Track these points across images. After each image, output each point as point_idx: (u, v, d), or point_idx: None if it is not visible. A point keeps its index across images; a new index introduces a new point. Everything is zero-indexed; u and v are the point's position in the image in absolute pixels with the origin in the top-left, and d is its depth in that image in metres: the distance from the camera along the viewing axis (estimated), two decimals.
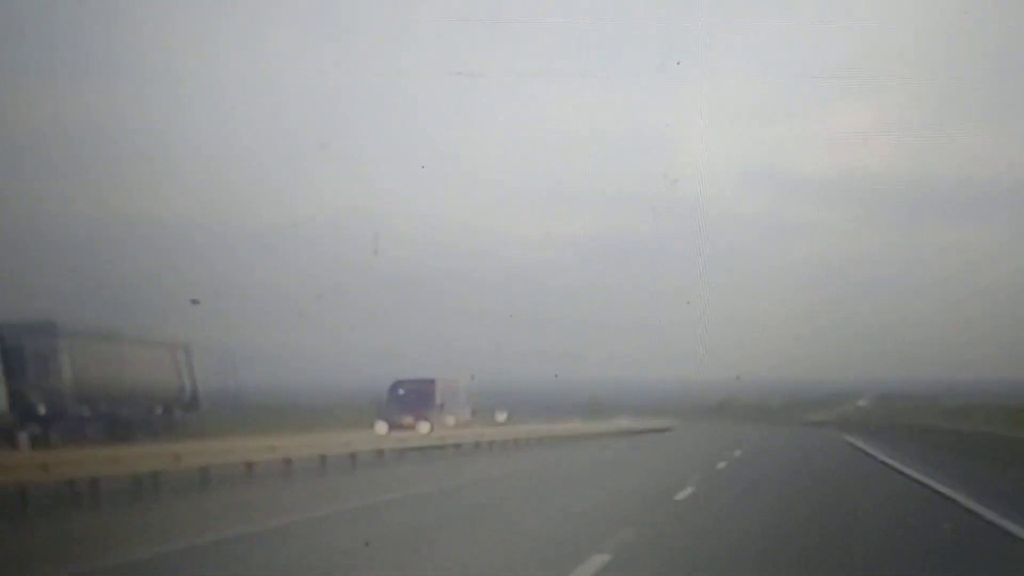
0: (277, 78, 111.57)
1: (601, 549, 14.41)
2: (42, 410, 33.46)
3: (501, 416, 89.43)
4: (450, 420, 49.95)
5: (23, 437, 31.42)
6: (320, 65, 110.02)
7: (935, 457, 36.07)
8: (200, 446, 28.89)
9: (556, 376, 66.72)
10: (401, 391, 50.34)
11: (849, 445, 49.40)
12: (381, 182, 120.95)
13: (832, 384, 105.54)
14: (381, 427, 43.29)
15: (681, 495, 23.50)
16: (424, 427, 46.29)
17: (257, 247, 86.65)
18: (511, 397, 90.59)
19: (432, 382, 51.05)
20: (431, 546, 15.54)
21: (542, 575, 13.22)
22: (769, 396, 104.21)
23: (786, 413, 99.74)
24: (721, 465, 35.43)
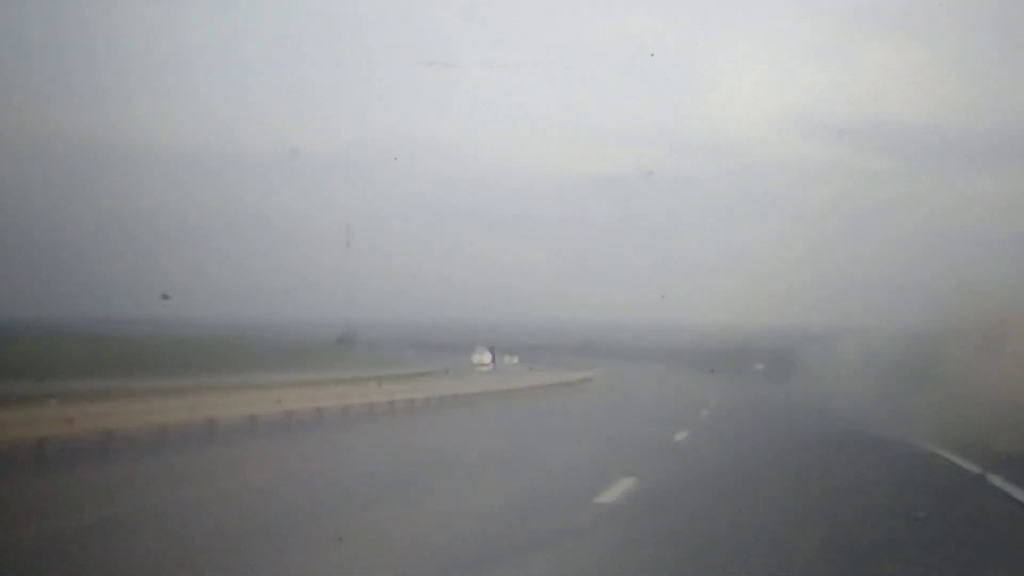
0: (248, 72, 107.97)
1: None
2: None
3: (484, 356, 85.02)
4: None
5: None
6: (290, 58, 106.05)
7: None
8: None
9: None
10: None
11: None
12: (353, 172, 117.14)
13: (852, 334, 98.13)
14: None
15: None
16: None
17: (230, 240, 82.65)
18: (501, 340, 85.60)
19: None
20: None
21: None
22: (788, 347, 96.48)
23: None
24: None
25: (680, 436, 27.75)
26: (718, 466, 21.20)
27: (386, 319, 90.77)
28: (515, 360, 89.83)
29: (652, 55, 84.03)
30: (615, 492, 16.40)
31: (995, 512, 15.49)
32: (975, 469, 19.69)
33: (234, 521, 13.79)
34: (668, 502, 16.00)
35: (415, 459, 21.94)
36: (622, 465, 19.86)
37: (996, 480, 18.11)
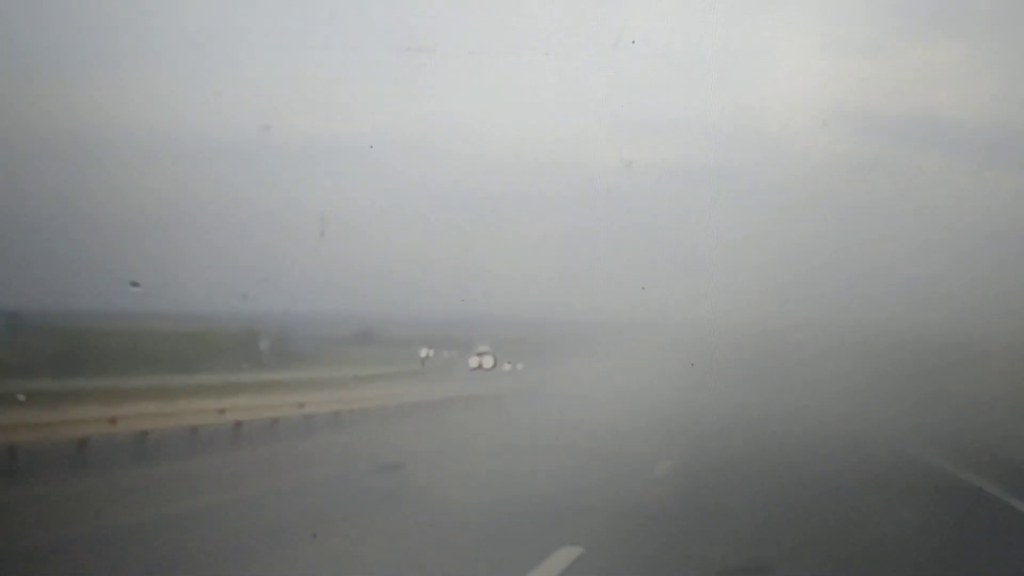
0: (216, 53, 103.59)
1: None
2: None
3: (485, 359, 79.32)
4: None
5: None
6: (259, 41, 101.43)
7: None
8: None
9: None
10: None
11: None
12: (326, 161, 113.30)
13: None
14: None
15: None
16: None
17: (199, 230, 78.79)
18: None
19: None
20: None
21: None
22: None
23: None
24: None
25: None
26: None
27: (372, 312, 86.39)
28: (519, 367, 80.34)
29: (633, 42, 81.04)
30: None
31: None
32: None
33: None
34: None
35: None
36: None
37: None
